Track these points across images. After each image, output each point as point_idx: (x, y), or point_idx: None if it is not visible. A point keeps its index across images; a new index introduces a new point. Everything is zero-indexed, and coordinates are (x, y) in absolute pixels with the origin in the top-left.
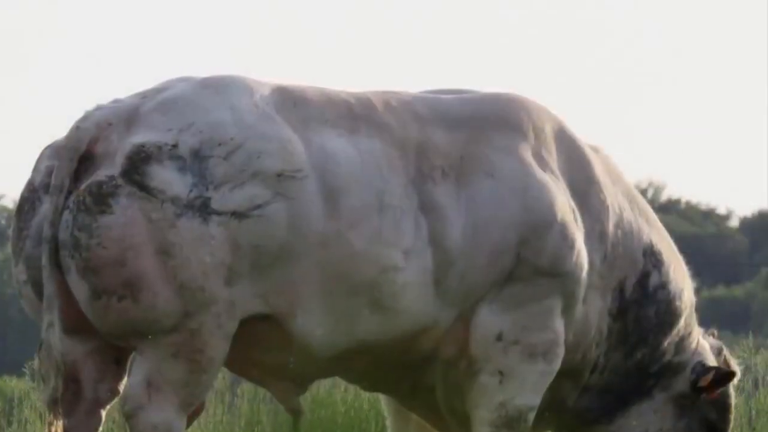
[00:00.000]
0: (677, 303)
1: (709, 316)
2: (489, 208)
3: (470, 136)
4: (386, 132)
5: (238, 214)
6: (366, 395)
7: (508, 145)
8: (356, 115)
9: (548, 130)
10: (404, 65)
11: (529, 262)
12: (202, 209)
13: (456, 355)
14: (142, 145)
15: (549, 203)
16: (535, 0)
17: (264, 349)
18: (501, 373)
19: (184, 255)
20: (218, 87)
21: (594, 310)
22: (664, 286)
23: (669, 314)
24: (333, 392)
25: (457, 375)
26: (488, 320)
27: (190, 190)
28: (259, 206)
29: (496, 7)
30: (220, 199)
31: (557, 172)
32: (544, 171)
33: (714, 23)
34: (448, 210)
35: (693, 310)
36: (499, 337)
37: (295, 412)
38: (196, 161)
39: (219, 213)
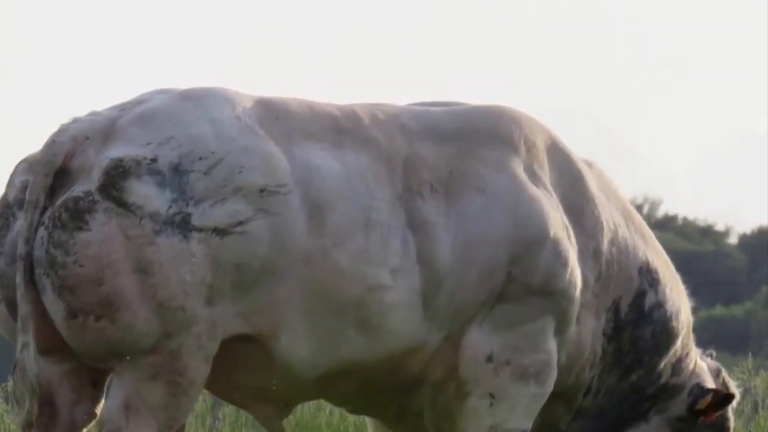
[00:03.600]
0: (674, 323)
1: (707, 336)
2: (479, 225)
3: (460, 151)
4: (372, 146)
5: (219, 231)
6: (352, 418)
7: (499, 160)
8: (341, 128)
9: (540, 144)
10: (397, 75)
11: (520, 281)
12: (182, 226)
13: (445, 377)
14: (120, 160)
15: (541, 219)
16: (531, 9)
17: (246, 371)
18: (491, 395)
19: (164, 273)
20: (198, 99)
21: (588, 330)
22: (660, 305)
23: (665, 334)
24: (318, 415)
25: (446, 398)
26: (478, 341)
27: (170, 206)
28: (241, 222)
29: (490, 15)
30: (200, 216)
31: (550, 187)
32: (536, 186)
33: (713, 37)
34: (436, 227)
35: (690, 330)
36: (490, 359)
37: None
38: (176, 176)
39: (199, 230)
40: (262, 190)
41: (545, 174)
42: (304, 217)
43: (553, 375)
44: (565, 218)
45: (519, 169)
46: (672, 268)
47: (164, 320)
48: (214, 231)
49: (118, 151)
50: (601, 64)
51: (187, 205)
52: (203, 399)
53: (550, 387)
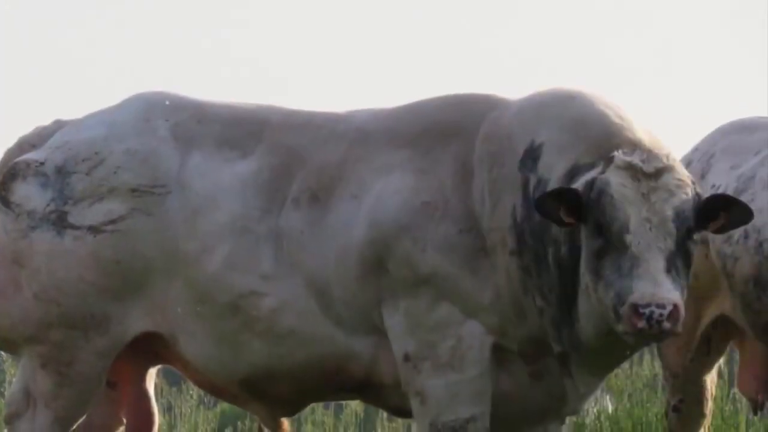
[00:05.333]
0: None
1: None
2: (347, 231)
3: (356, 155)
4: (279, 154)
5: (93, 229)
6: (345, 418)
7: (389, 163)
8: (261, 136)
9: (496, 133)
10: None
11: (396, 276)
12: (58, 223)
13: (395, 382)
14: (16, 163)
15: (395, 211)
16: (530, 14)
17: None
18: (418, 393)
19: (34, 266)
20: (125, 103)
21: (509, 286)
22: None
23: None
24: (315, 409)
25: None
26: (395, 342)
27: (47, 205)
28: (113, 221)
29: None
30: (78, 214)
31: (484, 176)
32: (439, 177)
33: (713, 51)
34: (303, 236)
35: None
36: (407, 358)
37: None
38: (59, 177)
39: (76, 227)
40: (134, 190)
41: (489, 164)
42: (182, 220)
43: (470, 357)
44: (446, 194)
45: (415, 166)
46: None
47: (40, 311)
48: (89, 229)
49: (28, 155)
50: (595, 55)
51: (65, 204)
52: (192, 395)
53: (472, 369)
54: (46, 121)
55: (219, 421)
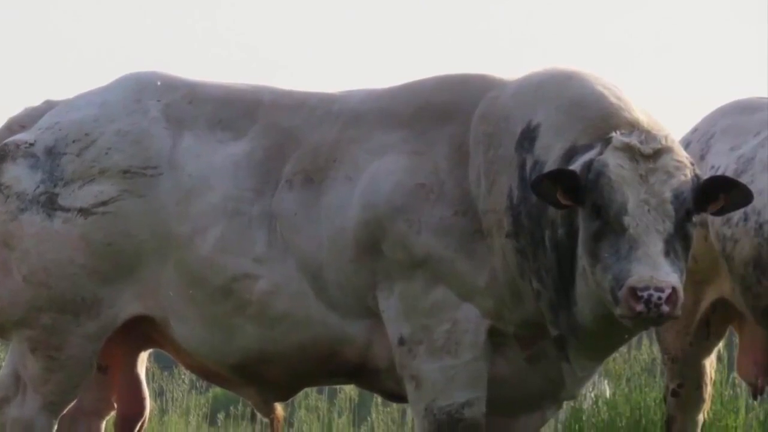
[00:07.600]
0: None
1: None
2: (341, 213)
3: (350, 136)
4: (272, 135)
5: (83, 211)
6: (339, 403)
7: (384, 144)
8: (254, 117)
9: (494, 114)
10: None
11: (391, 258)
12: (47, 205)
13: (390, 366)
14: (6, 144)
15: (389, 192)
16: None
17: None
18: (413, 377)
19: (24, 248)
20: (116, 83)
21: (505, 270)
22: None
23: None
24: (309, 394)
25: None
26: (390, 325)
27: (37, 187)
28: (104, 203)
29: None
30: (68, 196)
31: (480, 157)
32: (430, 158)
33: (713, 31)
34: (297, 217)
35: None
36: (402, 341)
37: (270, 419)
38: (48, 158)
39: (66, 209)
40: (125, 172)
41: (485, 145)
42: (174, 202)
43: (466, 341)
44: (440, 176)
45: (410, 147)
46: None
47: (30, 295)
48: (79, 211)
49: (18, 136)
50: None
51: (55, 186)
52: (188, 379)
53: (468, 353)
54: (36, 101)
55: (211, 406)
